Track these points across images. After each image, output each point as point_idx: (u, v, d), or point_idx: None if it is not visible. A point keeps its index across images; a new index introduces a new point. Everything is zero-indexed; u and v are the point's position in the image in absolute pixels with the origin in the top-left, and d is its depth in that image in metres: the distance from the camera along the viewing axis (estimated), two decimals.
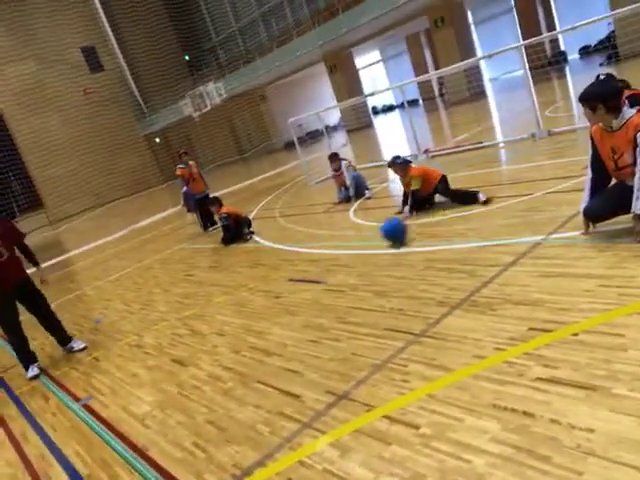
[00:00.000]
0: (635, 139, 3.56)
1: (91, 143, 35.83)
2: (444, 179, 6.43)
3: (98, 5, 35.23)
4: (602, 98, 3.67)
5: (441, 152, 10.68)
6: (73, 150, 35.46)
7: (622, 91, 3.72)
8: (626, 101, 4.96)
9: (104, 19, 35.59)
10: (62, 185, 34.67)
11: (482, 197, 5.94)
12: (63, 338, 5.59)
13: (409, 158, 6.80)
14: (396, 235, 5.43)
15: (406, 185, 6.57)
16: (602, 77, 3.79)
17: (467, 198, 6.10)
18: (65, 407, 4.26)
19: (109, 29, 35.85)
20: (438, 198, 6.56)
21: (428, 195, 6.52)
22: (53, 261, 14.11)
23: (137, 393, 4.02)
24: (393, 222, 5.57)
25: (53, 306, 5.75)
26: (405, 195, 6.62)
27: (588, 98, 3.75)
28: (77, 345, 5.57)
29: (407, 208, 6.48)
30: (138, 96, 37.14)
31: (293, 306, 4.74)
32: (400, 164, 6.61)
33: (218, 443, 2.96)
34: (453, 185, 6.50)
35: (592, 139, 3.94)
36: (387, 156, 13.12)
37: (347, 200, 8.76)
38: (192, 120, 29.58)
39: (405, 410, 2.67)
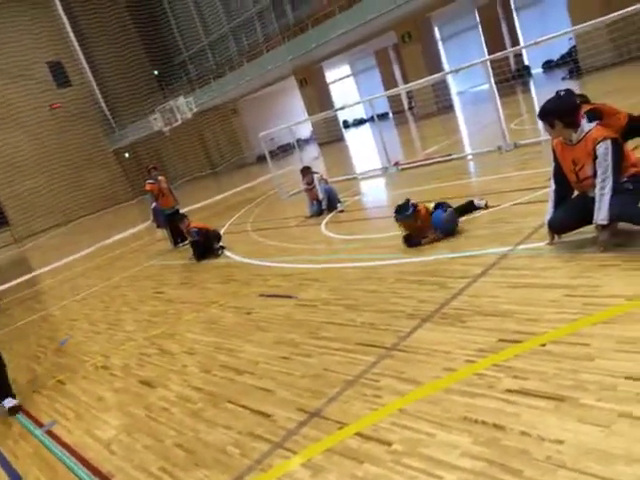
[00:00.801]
0: (594, 151, 3.65)
1: (58, 159, 35.16)
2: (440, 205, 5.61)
3: (65, 20, 34.85)
4: (558, 114, 3.76)
5: (411, 165, 10.80)
6: (39, 166, 34.75)
7: (579, 106, 3.82)
8: (584, 116, 5.10)
9: (71, 34, 35.20)
10: (28, 202, 33.89)
11: (480, 203, 5.81)
12: (4, 394, 4.70)
13: (410, 205, 5.49)
14: (449, 227, 5.35)
15: (417, 229, 5.50)
16: (561, 93, 3.88)
17: (468, 208, 5.84)
18: (28, 433, 4.09)
19: (76, 44, 35.46)
20: None
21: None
22: (18, 280, 13.72)
23: (103, 417, 3.89)
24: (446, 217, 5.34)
25: (17, 326, 5.55)
26: (409, 237, 5.50)
27: (546, 114, 3.84)
28: (7, 403, 4.62)
29: (435, 235, 5.39)
30: (106, 111, 36.71)
31: (265, 322, 4.68)
32: (412, 214, 5.43)
33: (187, 467, 2.87)
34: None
35: (554, 152, 4.03)
36: (359, 169, 13.22)
37: (319, 214, 8.76)
38: (162, 135, 29.31)
39: (377, 426, 2.64)
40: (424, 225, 5.47)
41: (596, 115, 5.08)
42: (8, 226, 33.61)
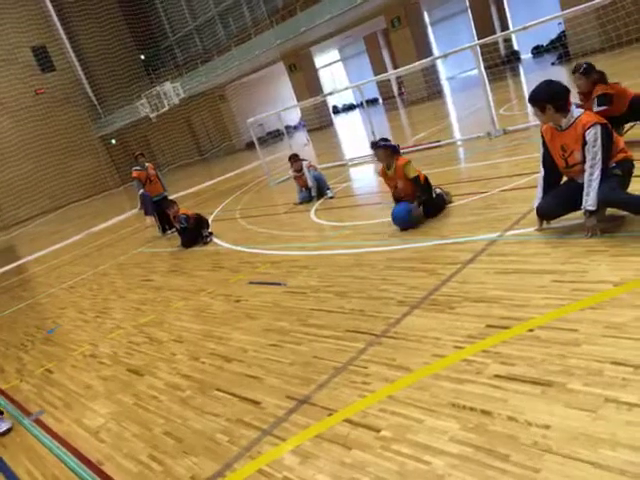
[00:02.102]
0: (584, 137, 3.64)
1: (44, 145, 34.64)
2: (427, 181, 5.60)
3: (48, 3, 34.09)
4: (550, 98, 3.74)
5: (401, 151, 10.75)
6: (25, 153, 34.21)
7: (569, 91, 3.80)
8: (595, 99, 5.15)
9: (55, 17, 34.49)
10: (14, 189, 33.40)
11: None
12: None
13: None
14: (406, 220, 5.36)
15: (393, 185, 5.64)
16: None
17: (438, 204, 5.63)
18: (16, 422, 4.06)
19: (60, 28, 34.76)
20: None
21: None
22: (5, 268, 13.57)
23: (91, 405, 3.86)
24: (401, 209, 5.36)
25: (4, 314, 5.48)
26: (395, 198, 5.71)
27: (537, 98, 3.81)
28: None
29: (414, 205, 5.42)
30: (92, 96, 36.15)
31: (254, 310, 4.67)
32: (384, 147, 5.55)
33: (175, 455, 2.87)
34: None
35: (543, 137, 4.02)
36: (349, 155, 13.17)
37: (308, 200, 8.73)
38: (149, 121, 28.97)
39: (366, 413, 2.64)
40: (398, 183, 5.55)
41: (607, 99, 5.16)
42: None
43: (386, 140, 5.67)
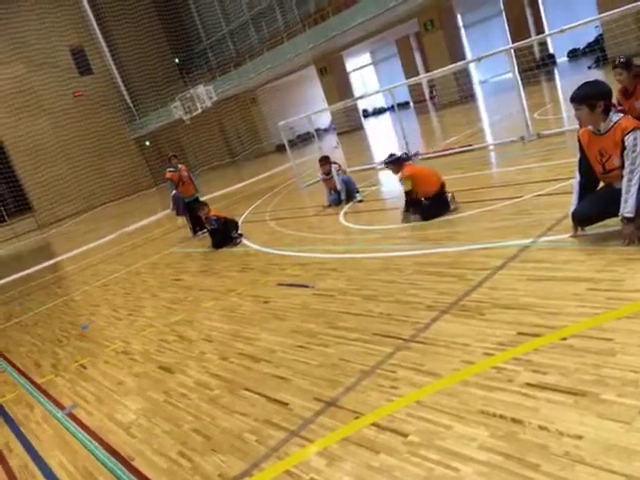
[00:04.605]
0: (623, 142, 3.55)
1: (81, 146, 35.67)
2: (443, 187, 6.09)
3: (87, 7, 35.09)
4: (603, 96, 3.64)
5: (431, 155, 10.69)
6: (62, 153, 35.27)
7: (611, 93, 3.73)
8: None
9: (93, 21, 35.47)
10: (51, 189, 34.46)
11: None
12: None
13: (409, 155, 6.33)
14: None
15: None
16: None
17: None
18: (50, 416, 4.18)
19: (98, 31, 35.73)
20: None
21: (428, 200, 6.07)
22: (41, 266, 13.98)
23: (123, 401, 3.95)
24: None
25: (41, 311, 5.64)
26: (406, 196, 6.24)
27: (589, 95, 3.67)
28: None
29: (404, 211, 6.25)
30: (128, 99, 37.00)
31: (282, 311, 4.70)
32: (391, 162, 6.37)
33: (204, 452, 2.91)
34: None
35: (580, 142, 3.93)
36: (378, 158, 13.13)
37: (337, 203, 8.74)
38: (182, 123, 29.47)
39: (393, 417, 2.63)
40: (419, 191, 6.06)
41: None
42: (32, 212, 34.23)
43: (392, 155, 6.49)
